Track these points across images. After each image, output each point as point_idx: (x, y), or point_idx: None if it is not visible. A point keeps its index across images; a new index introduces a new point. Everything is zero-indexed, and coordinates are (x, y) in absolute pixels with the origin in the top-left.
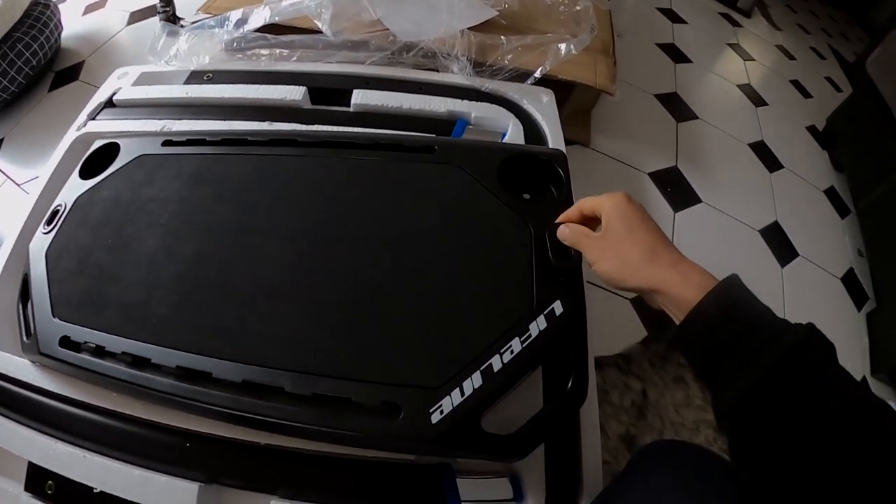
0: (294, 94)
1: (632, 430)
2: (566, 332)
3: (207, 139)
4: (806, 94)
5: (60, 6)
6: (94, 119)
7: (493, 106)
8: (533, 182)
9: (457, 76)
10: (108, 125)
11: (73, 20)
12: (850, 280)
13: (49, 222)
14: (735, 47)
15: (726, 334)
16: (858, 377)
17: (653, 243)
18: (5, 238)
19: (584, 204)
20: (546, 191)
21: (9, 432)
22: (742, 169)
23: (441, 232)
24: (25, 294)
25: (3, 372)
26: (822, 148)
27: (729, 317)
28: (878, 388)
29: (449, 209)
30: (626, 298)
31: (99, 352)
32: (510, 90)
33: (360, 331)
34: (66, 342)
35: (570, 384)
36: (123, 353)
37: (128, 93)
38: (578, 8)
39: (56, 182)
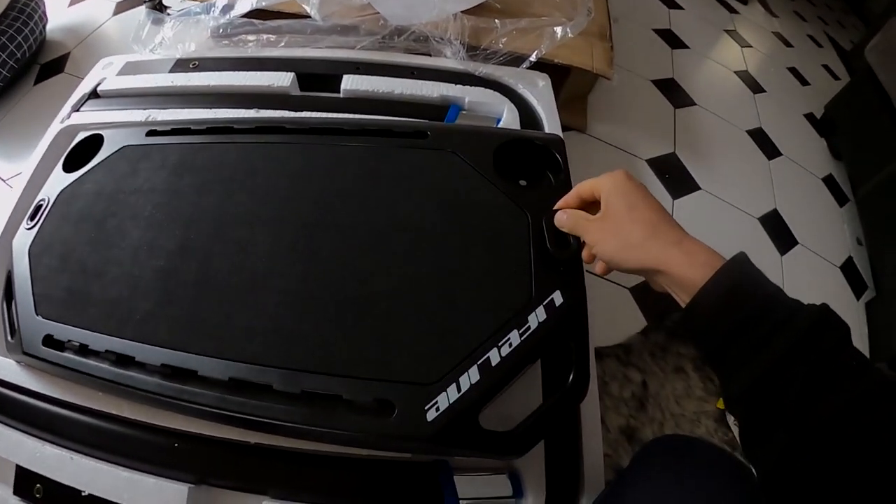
0: (282, 80)
1: (632, 422)
2: (566, 323)
3: (192, 128)
4: (803, 82)
5: None
6: (78, 111)
7: (488, 91)
8: (530, 168)
9: (450, 60)
10: (92, 116)
11: (59, 11)
12: (849, 269)
13: (32, 218)
14: (732, 34)
15: (736, 316)
16: None
17: (655, 220)
18: None
19: (581, 188)
20: (543, 177)
21: None
22: (740, 156)
23: (435, 220)
24: (9, 292)
25: None
26: (819, 136)
27: (738, 298)
28: None
29: (443, 197)
30: (625, 287)
31: (83, 350)
32: (505, 74)
33: (351, 324)
34: (49, 341)
35: (570, 378)
36: (107, 351)
37: (112, 83)
38: None
39: (40, 176)
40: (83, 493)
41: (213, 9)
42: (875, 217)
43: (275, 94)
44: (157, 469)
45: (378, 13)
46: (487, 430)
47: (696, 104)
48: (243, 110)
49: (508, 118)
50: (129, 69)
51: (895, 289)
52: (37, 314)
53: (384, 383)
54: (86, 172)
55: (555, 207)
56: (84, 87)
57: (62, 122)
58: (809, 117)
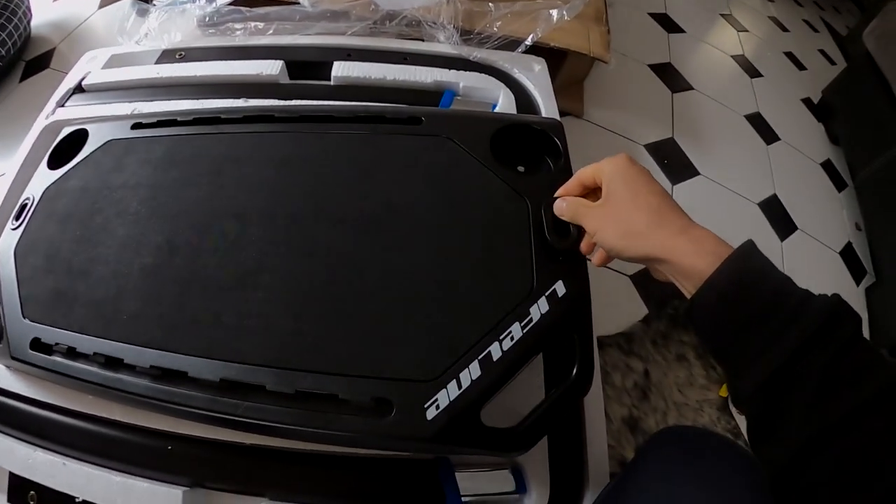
0: (271, 68)
1: (634, 412)
2: (569, 314)
3: (178, 119)
4: (800, 67)
5: None
6: (62, 106)
7: (483, 75)
8: (528, 154)
9: (443, 45)
10: (77, 111)
11: (44, 6)
12: (848, 254)
13: (17, 217)
14: (728, 18)
15: (746, 307)
16: None
17: (659, 206)
18: None
19: (582, 174)
20: (542, 163)
21: None
22: (739, 141)
23: (431, 209)
24: None
25: None
26: (817, 121)
27: (747, 287)
28: None
29: (439, 184)
30: (625, 275)
31: (71, 353)
32: (500, 59)
33: (345, 320)
34: (36, 344)
35: (574, 371)
36: (95, 353)
37: (97, 76)
38: None
39: (25, 174)
40: (77, 500)
41: None
42: (874, 203)
43: (263, 83)
44: (150, 473)
45: None
46: (489, 428)
47: (693, 88)
48: (231, 100)
49: (504, 103)
50: (115, 62)
51: (895, 275)
52: (24, 317)
53: (381, 381)
54: (70, 169)
55: (555, 195)
56: (69, 82)
57: (47, 118)
58: (807, 102)
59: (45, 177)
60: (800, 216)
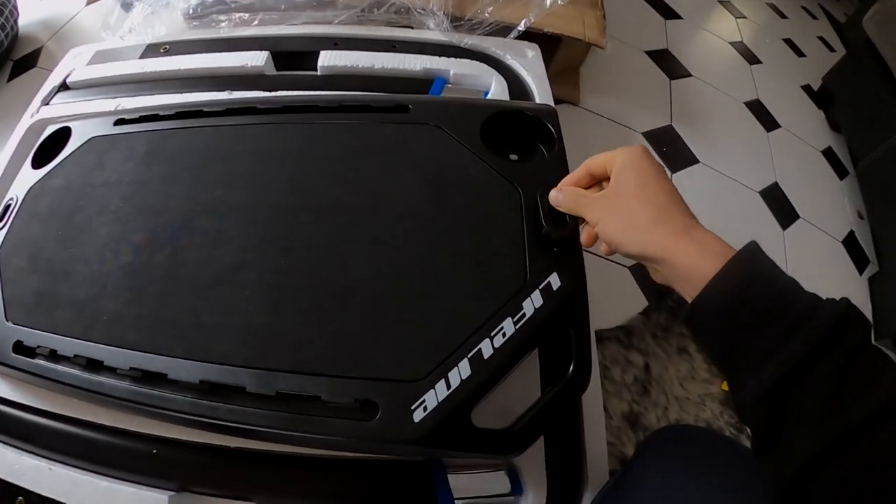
0: (256, 59)
1: (635, 407)
2: (565, 308)
3: (161, 114)
4: (799, 53)
5: None
6: (47, 104)
7: (474, 62)
8: (521, 142)
9: (433, 32)
10: (62, 109)
11: (31, 4)
12: (851, 243)
13: (1, 218)
14: (726, 4)
15: (750, 313)
16: None
17: (666, 204)
18: None
19: (592, 162)
20: (536, 151)
21: None
22: (739, 128)
23: (419, 200)
24: None
25: None
26: (818, 108)
27: (752, 290)
28: None
29: (428, 174)
30: (623, 266)
31: (53, 356)
32: (492, 45)
33: (328, 318)
34: (19, 347)
35: (570, 368)
36: (76, 356)
37: (82, 73)
38: None
39: (9, 175)
40: None
41: None
42: (876, 190)
43: (249, 74)
44: (135, 477)
45: None
46: (481, 429)
47: (691, 75)
48: (217, 93)
49: (497, 90)
50: (99, 58)
51: None
52: (6, 320)
53: (366, 382)
54: (54, 167)
55: (561, 184)
56: (53, 80)
57: (31, 116)
58: (807, 89)
59: (29, 176)
60: (801, 204)
